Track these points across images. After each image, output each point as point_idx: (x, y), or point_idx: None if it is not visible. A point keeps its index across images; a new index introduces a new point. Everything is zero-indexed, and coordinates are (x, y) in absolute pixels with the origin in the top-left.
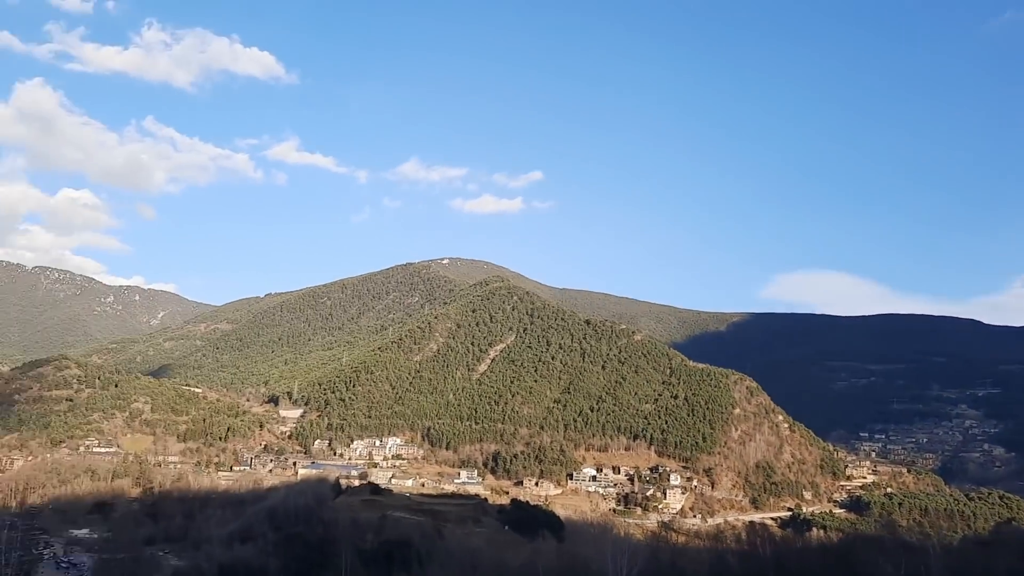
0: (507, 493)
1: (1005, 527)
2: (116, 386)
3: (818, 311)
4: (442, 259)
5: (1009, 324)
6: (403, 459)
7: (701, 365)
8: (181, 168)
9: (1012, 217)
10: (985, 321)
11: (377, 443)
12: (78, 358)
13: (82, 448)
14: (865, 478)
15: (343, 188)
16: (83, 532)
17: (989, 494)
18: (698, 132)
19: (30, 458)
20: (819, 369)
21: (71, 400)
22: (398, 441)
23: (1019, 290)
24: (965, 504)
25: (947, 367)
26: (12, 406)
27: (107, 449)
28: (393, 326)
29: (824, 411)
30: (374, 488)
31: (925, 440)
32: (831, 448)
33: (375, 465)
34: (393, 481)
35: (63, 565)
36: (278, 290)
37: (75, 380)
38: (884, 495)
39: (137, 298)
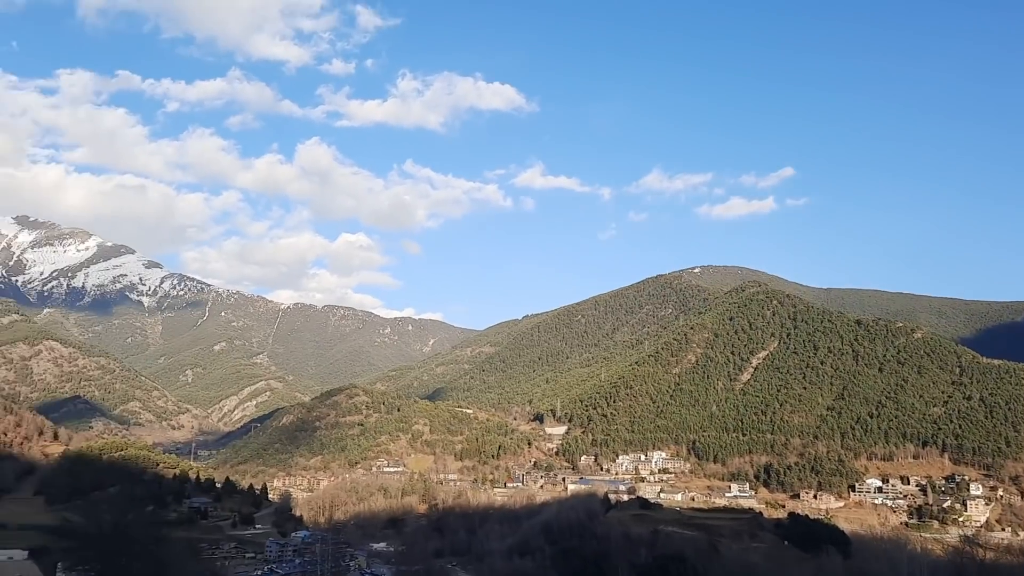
0: (783, 507)
1: None
2: (399, 410)
3: None
4: (693, 268)
5: None
6: (670, 473)
7: (997, 361)
8: (439, 204)
9: None
10: None
11: (642, 458)
12: (365, 386)
13: (374, 468)
14: None
15: (588, 207)
16: (381, 545)
17: None
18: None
19: (332, 478)
20: None
21: (362, 424)
22: (663, 455)
23: None
24: None
25: None
26: (314, 432)
27: (395, 468)
28: (648, 339)
29: None
30: (643, 503)
31: None
32: None
33: (642, 479)
34: (662, 495)
35: (366, 575)
36: (535, 311)
37: (364, 406)
38: None
39: (410, 328)
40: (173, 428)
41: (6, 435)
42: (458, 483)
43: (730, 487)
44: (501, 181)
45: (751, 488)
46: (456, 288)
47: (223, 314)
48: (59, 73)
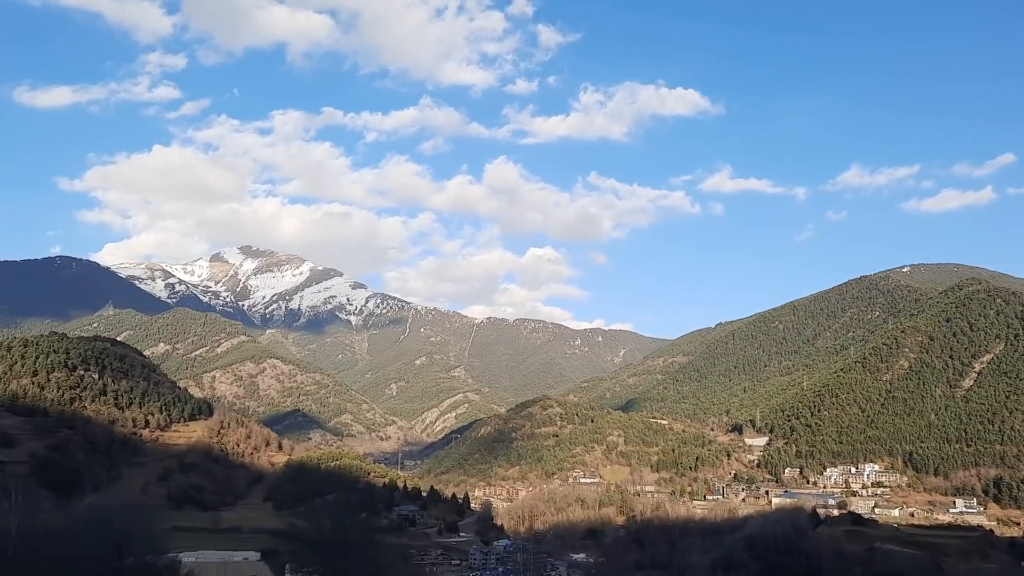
0: (1017, 524)
1: None
2: (592, 421)
3: None
4: (902, 267)
5: None
6: (884, 487)
7: None
8: (624, 214)
9: None
10: None
11: (852, 470)
12: (557, 398)
13: (570, 479)
14: None
15: (782, 208)
16: (580, 556)
17: None
18: None
19: (530, 488)
20: None
21: (557, 435)
22: (876, 467)
23: None
24: None
25: None
26: (511, 443)
27: (591, 480)
28: (854, 345)
29: None
30: (856, 518)
31: None
32: None
33: (853, 494)
34: (876, 511)
35: None
36: (728, 318)
37: (558, 417)
38: None
39: (600, 339)
40: (381, 439)
41: (238, 446)
42: (655, 495)
43: (955, 502)
44: (688, 187)
45: (979, 503)
46: (646, 297)
47: (422, 330)
48: (273, 114)
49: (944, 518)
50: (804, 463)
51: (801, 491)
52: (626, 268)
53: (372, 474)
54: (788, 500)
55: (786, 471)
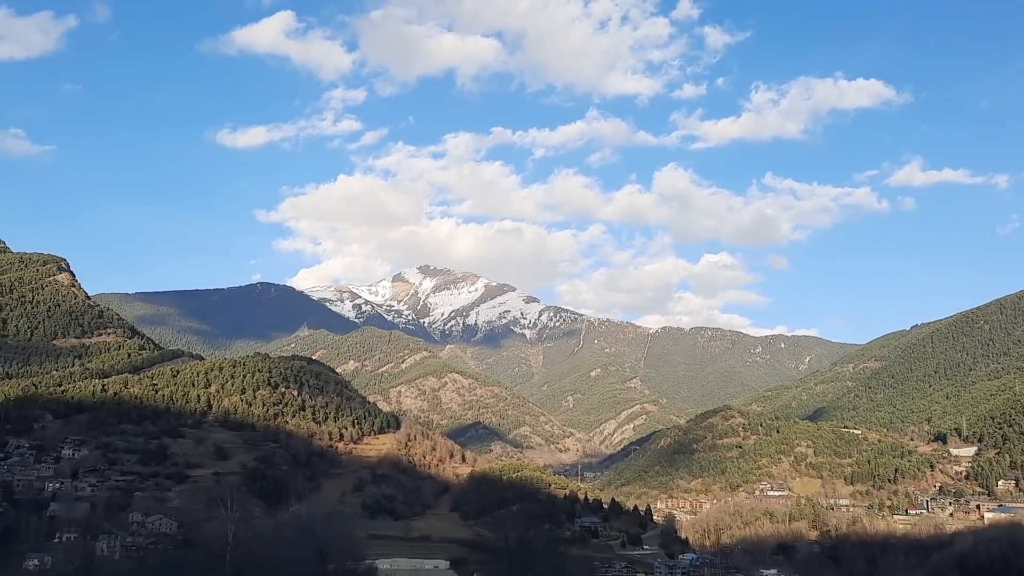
0: None
1: None
2: (778, 431)
3: None
4: None
5: None
6: None
7: None
8: (804, 215)
9: None
10: None
11: None
12: (739, 407)
13: (756, 491)
14: None
15: (982, 199)
16: (771, 572)
17: None
18: None
19: (714, 501)
20: None
21: (740, 447)
22: None
23: None
24: None
25: None
26: (692, 454)
27: (779, 492)
28: None
29: None
30: None
31: None
32: None
33: None
34: None
35: None
36: (924, 320)
37: (740, 428)
38: None
39: (783, 346)
40: (560, 451)
41: (424, 458)
42: (851, 509)
43: None
44: (874, 183)
45: None
46: (831, 301)
47: (596, 341)
48: (446, 138)
49: None
50: (1020, 475)
51: (1018, 505)
52: (808, 271)
53: (553, 485)
54: (1003, 515)
55: (999, 483)
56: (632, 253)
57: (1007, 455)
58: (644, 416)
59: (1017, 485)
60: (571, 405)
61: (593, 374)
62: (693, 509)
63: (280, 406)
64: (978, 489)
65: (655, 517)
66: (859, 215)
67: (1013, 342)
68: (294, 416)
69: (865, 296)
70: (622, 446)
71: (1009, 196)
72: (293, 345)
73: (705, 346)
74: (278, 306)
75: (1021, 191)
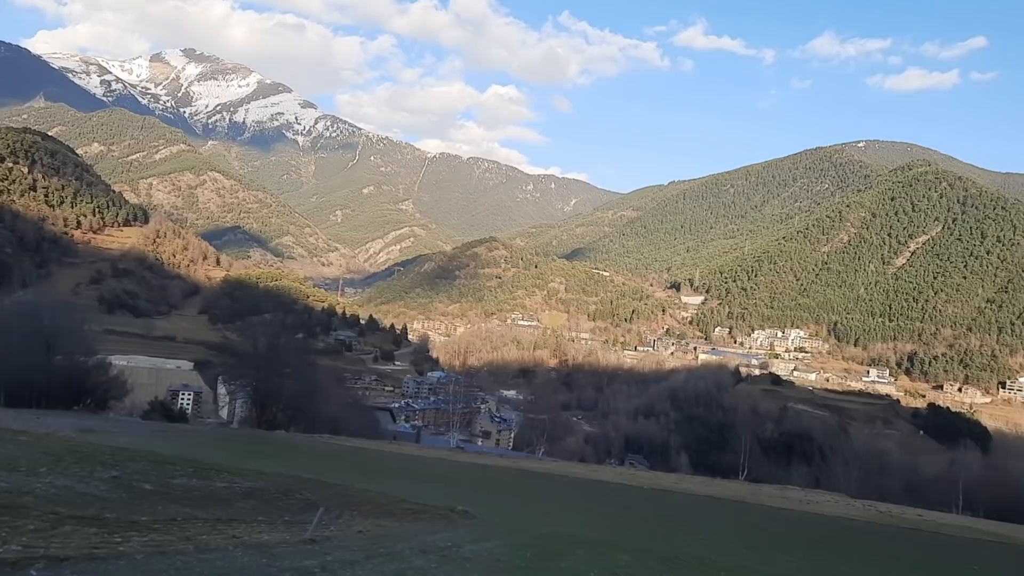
0: (923, 396)
1: None
2: (536, 267)
3: None
4: (857, 142)
5: None
6: (806, 352)
7: None
8: (592, 60)
9: None
10: None
11: (779, 334)
12: (504, 240)
13: (509, 320)
14: None
15: (749, 71)
16: (511, 393)
17: None
18: None
19: (468, 326)
20: None
21: (499, 277)
22: (801, 334)
23: None
24: None
25: None
26: (454, 280)
27: (528, 323)
28: (799, 215)
29: None
30: (774, 379)
31: None
32: None
33: (776, 356)
34: (795, 374)
35: (496, 419)
36: (681, 178)
37: (502, 260)
38: None
39: (553, 186)
40: (323, 265)
41: (175, 257)
42: (589, 342)
43: (868, 372)
44: (660, 39)
45: (891, 375)
46: (603, 149)
47: (372, 158)
48: None
49: (857, 386)
50: (734, 324)
51: (728, 350)
52: (588, 117)
53: (311, 298)
54: (714, 357)
55: (716, 330)
56: (420, 72)
57: (727, 306)
58: (412, 239)
59: (731, 333)
60: (339, 220)
61: (366, 191)
62: (448, 332)
63: (6, 183)
64: (698, 334)
65: (411, 336)
66: (643, 69)
67: (751, 207)
68: (23, 196)
69: (634, 148)
70: (387, 266)
71: (772, 72)
72: (25, 116)
73: (480, 177)
74: (7, 69)
75: (783, 68)
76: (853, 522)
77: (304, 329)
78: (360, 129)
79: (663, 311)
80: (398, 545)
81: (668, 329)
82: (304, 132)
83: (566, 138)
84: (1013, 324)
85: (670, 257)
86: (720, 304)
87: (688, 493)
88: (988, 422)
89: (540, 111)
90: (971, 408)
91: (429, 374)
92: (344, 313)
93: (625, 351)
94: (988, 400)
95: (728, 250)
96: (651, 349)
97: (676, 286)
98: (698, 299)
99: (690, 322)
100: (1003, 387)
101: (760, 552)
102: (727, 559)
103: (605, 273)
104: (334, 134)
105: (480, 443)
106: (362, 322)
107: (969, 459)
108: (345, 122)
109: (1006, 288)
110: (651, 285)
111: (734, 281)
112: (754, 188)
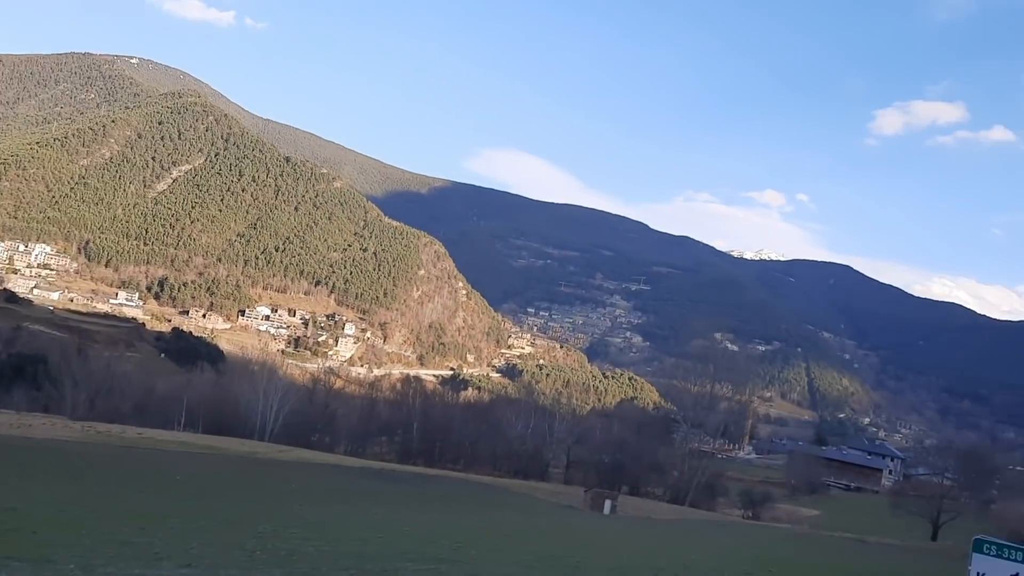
0: (169, 321)
1: (627, 404)
2: None
3: (513, 190)
4: (131, 57)
5: (669, 231)
6: (51, 270)
7: (396, 223)
8: None
9: (689, 140)
10: (651, 225)
11: (21, 248)
12: None
13: None
14: (524, 348)
15: None
16: None
17: (621, 374)
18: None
19: None
20: (504, 245)
21: None
22: (48, 249)
23: (680, 204)
24: (600, 381)
25: (612, 261)
26: None
27: None
28: (59, 121)
29: (502, 284)
30: (10, 296)
31: (581, 322)
32: (500, 318)
33: (15, 271)
34: (36, 292)
35: None
36: None
37: None
38: (536, 365)
39: None
40: None
41: None
42: None
43: (117, 294)
44: None
45: (140, 299)
46: None
47: None
48: None
49: (104, 308)
50: None
51: None
52: None
53: None
54: None
55: None
56: None
57: None
58: None
59: None
60: None
61: None
62: None
63: None
64: None
65: None
66: None
67: (3, 102)
68: None
69: None
70: None
71: None
72: None
73: None
74: None
75: None
76: (67, 443)
77: None
78: None
79: None
80: None
81: None
82: None
83: None
84: (257, 258)
85: None
86: None
87: None
88: (225, 346)
89: None
90: (212, 333)
91: None
92: None
93: None
94: (229, 327)
95: None
96: None
97: None
98: None
99: None
100: (243, 315)
101: None
102: None
103: None
104: None
105: None
106: None
107: (202, 380)
108: None
109: (255, 225)
110: None
111: None
112: (7, 81)
